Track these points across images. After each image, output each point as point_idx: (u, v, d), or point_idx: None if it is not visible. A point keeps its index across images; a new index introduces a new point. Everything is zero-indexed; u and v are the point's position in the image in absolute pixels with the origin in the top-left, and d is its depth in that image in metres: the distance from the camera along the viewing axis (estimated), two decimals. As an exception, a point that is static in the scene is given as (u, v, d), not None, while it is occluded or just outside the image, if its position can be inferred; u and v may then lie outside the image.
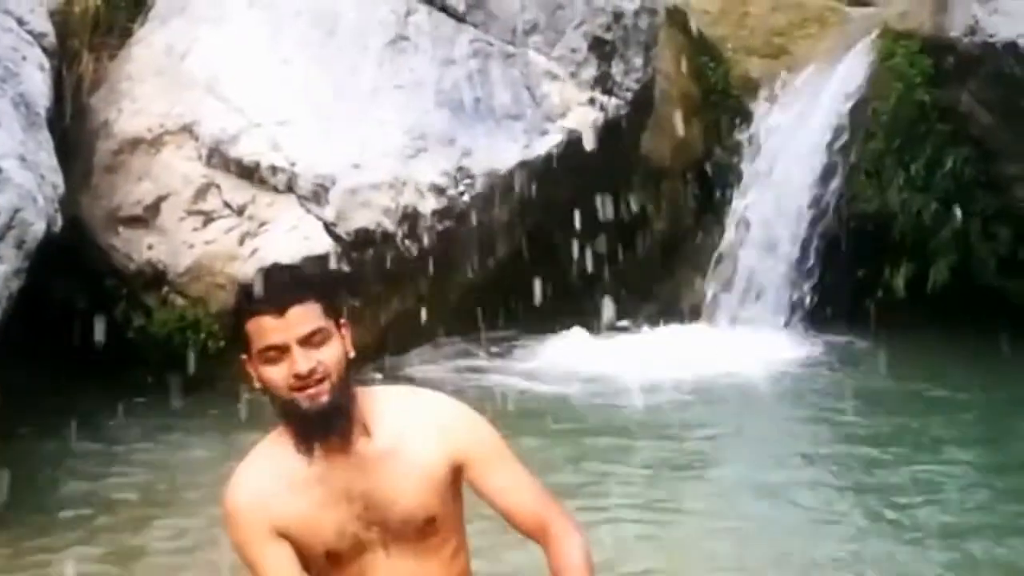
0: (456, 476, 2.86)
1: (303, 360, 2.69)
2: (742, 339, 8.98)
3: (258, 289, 2.77)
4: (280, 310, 2.71)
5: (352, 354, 2.80)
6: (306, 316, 2.73)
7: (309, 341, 2.71)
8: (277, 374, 2.71)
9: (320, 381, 2.70)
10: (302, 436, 2.76)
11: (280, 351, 2.70)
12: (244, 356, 2.78)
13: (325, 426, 2.73)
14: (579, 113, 8.66)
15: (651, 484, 6.03)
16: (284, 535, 2.79)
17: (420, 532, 2.82)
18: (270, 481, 2.80)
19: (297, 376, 2.69)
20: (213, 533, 5.22)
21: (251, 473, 2.84)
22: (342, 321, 2.80)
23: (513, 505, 2.83)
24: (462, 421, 2.89)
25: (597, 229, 9.11)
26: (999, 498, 5.80)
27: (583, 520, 2.90)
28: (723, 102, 10.04)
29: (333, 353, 2.74)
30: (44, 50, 7.53)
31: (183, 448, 6.79)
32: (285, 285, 2.80)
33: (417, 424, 2.84)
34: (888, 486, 5.94)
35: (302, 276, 2.86)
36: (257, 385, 2.78)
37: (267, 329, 2.71)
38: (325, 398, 2.71)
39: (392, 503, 2.79)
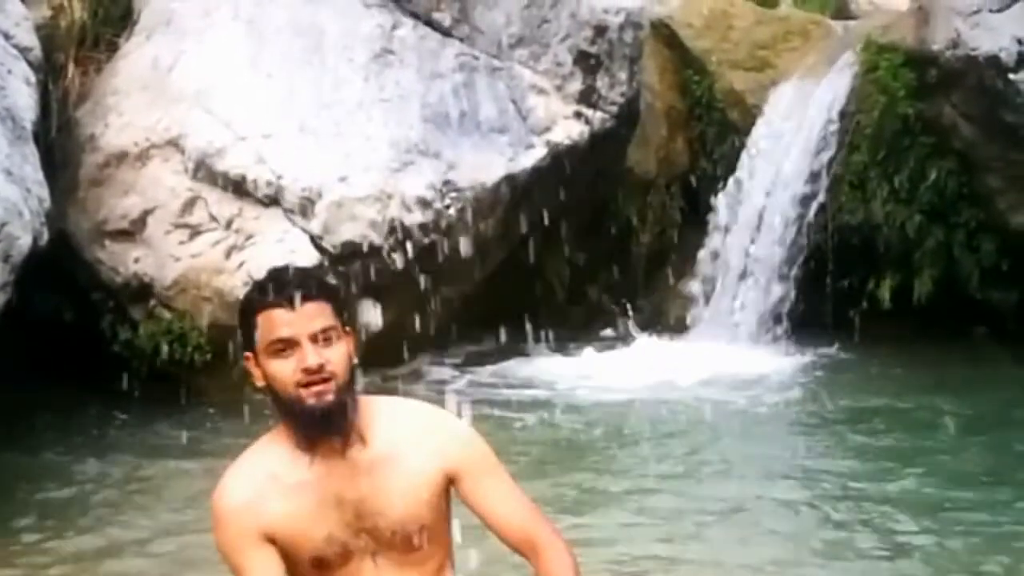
0: (446, 489, 2.86)
1: (313, 355, 2.69)
2: (727, 351, 9.00)
3: (269, 282, 2.76)
4: (293, 304, 2.71)
5: (355, 360, 2.80)
6: (318, 312, 2.72)
7: (319, 338, 2.71)
8: (285, 368, 2.70)
9: (327, 380, 2.69)
10: (303, 435, 2.76)
11: (290, 345, 2.70)
12: (248, 353, 2.77)
13: (328, 425, 2.72)
14: (565, 127, 8.70)
15: (634, 501, 6.02)
16: (271, 539, 2.78)
17: (409, 543, 2.81)
18: (259, 483, 2.79)
19: (306, 371, 2.68)
20: (186, 554, 5.24)
21: (241, 475, 2.83)
22: (347, 329, 2.80)
23: (503, 520, 2.83)
24: (456, 434, 2.89)
25: (583, 242, 9.14)
26: (988, 510, 5.81)
27: (569, 537, 2.91)
28: (708, 115, 10.07)
29: (341, 353, 2.73)
30: (30, 64, 7.54)
31: (166, 461, 6.78)
32: (299, 280, 2.78)
33: (412, 434, 2.84)
34: (879, 499, 5.94)
35: (314, 274, 2.84)
36: (259, 383, 2.78)
37: (279, 322, 2.71)
38: (331, 397, 2.69)
39: (383, 511, 2.79)
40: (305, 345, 2.69)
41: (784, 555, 5.31)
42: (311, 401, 2.70)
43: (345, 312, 2.81)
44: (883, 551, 5.32)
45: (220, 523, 2.80)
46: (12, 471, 6.51)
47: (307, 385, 2.69)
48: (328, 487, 2.78)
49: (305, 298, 2.72)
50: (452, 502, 2.89)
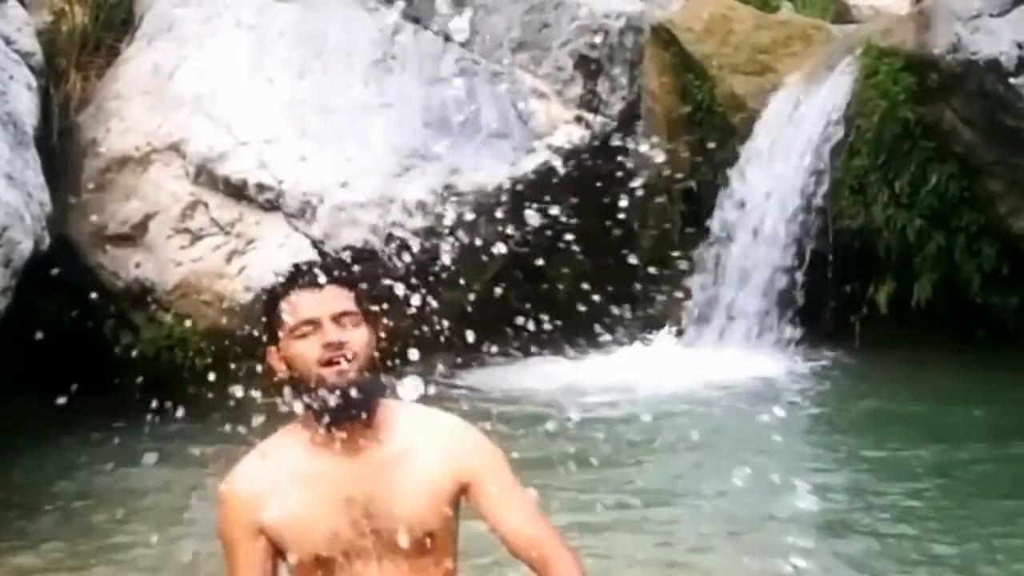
0: (457, 497, 2.88)
1: (334, 332, 2.77)
2: (728, 356, 9.00)
3: (294, 271, 2.88)
4: (317, 286, 2.82)
5: (376, 352, 2.86)
6: (340, 296, 2.83)
7: (340, 320, 2.80)
8: (308, 347, 2.77)
9: (349, 359, 2.76)
10: (322, 422, 2.79)
11: (313, 326, 2.78)
12: (271, 348, 2.84)
13: (350, 404, 2.76)
14: (565, 131, 8.70)
15: (633, 509, 5.99)
16: (273, 534, 2.81)
17: (415, 546, 2.82)
18: (270, 475, 2.83)
19: (327, 346, 2.75)
20: (177, 559, 5.24)
21: (253, 465, 2.88)
22: (369, 321, 2.88)
23: (514, 530, 2.84)
24: (470, 441, 2.93)
25: (584, 246, 9.12)
26: (991, 514, 5.80)
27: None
28: (708, 119, 10.07)
29: (362, 337, 2.81)
30: (32, 69, 7.56)
31: (163, 467, 6.77)
32: (322, 266, 2.90)
33: (426, 438, 2.88)
34: (881, 505, 5.94)
35: (336, 266, 2.95)
36: (282, 375, 2.83)
37: (302, 304, 2.80)
38: (352, 375, 2.76)
39: (392, 513, 2.81)
40: (327, 324, 2.78)
41: (789, 565, 5.30)
42: (333, 379, 2.76)
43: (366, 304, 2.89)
44: (885, 556, 5.32)
45: (223, 510, 2.86)
46: (5, 476, 6.50)
47: (329, 364, 2.76)
48: (339, 484, 2.80)
49: (328, 281, 2.83)
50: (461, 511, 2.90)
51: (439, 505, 2.83)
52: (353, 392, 2.76)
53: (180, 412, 7.34)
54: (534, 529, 2.85)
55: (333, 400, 2.76)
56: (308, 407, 2.81)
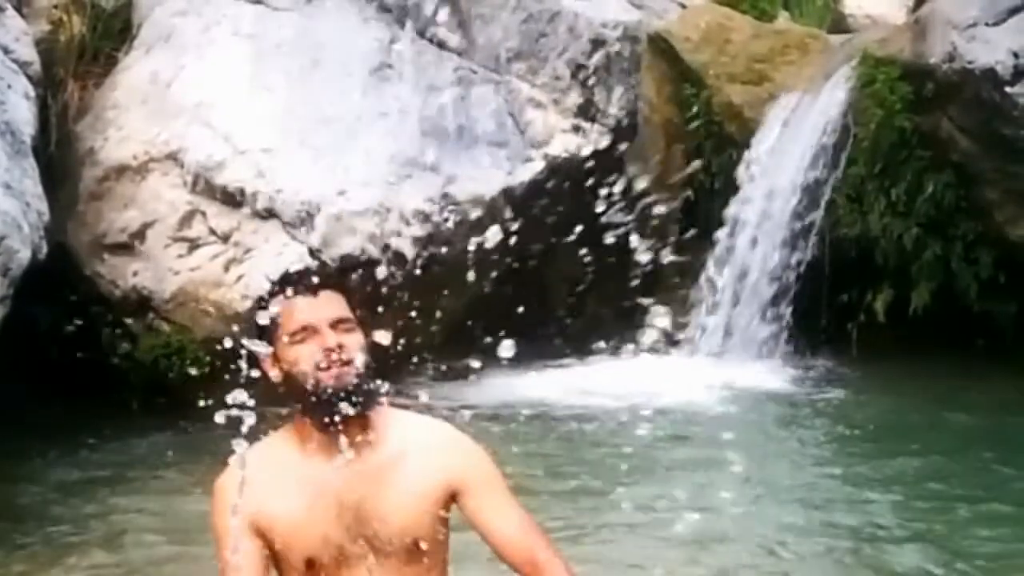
0: (448, 504, 2.89)
1: (332, 336, 2.80)
2: (724, 366, 8.99)
3: (287, 278, 2.92)
4: (313, 291, 2.86)
5: (371, 363, 2.88)
6: (336, 302, 2.88)
7: (337, 327, 2.83)
8: (306, 352, 2.80)
9: (346, 363, 2.79)
10: (318, 426, 2.80)
11: (310, 332, 2.81)
12: (267, 355, 2.87)
13: (349, 405, 2.79)
14: (562, 140, 8.72)
15: (631, 522, 5.98)
16: (265, 533, 2.82)
17: (405, 554, 2.83)
18: (266, 476, 2.84)
19: (326, 351, 2.78)
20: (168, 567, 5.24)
21: (249, 463, 2.87)
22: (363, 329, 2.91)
23: (505, 537, 2.86)
24: (463, 449, 2.95)
25: (581, 255, 9.14)
26: (989, 523, 5.80)
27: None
28: (705, 128, 10.07)
29: (358, 343, 2.85)
30: (29, 78, 7.57)
31: (159, 474, 6.78)
32: (316, 273, 2.95)
33: (419, 445, 2.90)
34: (870, 519, 5.94)
35: (329, 274, 3.00)
36: (277, 380, 2.85)
37: (300, 310, 2.83)
38: (350, 378, 2.79)
39: (383, 518, 2.82)
40: (324, 330, 2.81)
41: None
42: (332, 383, 2.78)
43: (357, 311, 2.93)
44: (888, 565, 5.32)
45: (217, 507, 2.86)
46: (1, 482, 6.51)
47: (327, 368, 2.78)
48: (331, 488, 2.82)
49: (322, 287, 2.87)
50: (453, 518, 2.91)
51: (431, 511, 2.84)
52: (351, 394, 2.78)
53: (177, 420, 7.42)
54: (526, 537, 2.86)
55: (331, 402, 2.77)
56: (304, 411, 2.83)
